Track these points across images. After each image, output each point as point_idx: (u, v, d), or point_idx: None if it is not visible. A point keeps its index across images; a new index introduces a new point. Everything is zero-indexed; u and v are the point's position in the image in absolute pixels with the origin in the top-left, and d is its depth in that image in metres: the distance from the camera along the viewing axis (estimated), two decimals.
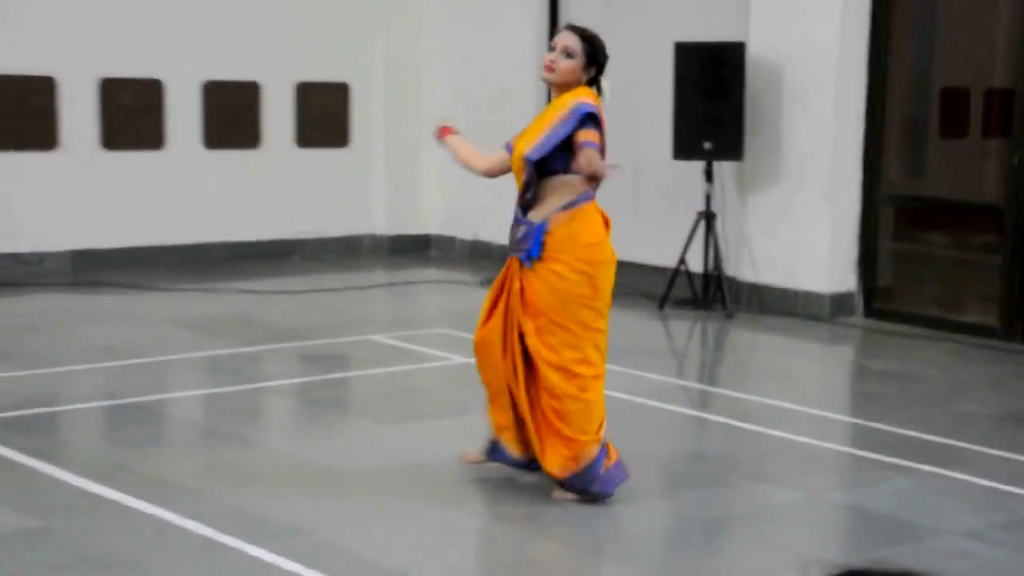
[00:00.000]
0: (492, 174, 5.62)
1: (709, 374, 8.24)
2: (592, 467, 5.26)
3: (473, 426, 5.98)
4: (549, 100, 5.49)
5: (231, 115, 11.28)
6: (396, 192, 12.07)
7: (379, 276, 11.00)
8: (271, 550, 4.70)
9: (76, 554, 4.69)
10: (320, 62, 11.65)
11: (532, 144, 5.23)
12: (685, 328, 9.21)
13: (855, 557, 4.85)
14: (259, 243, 11.49)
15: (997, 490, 5.65)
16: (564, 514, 5.23)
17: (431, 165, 12.00)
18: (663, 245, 10.08)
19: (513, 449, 5.45)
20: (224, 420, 6.55)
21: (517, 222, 5.29)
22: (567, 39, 5.31)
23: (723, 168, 9.75)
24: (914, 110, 9.82)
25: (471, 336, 5.55)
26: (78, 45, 10.52)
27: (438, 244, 12.27)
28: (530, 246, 5.21)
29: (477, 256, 11.73)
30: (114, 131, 10.73)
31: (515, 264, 5.31)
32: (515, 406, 5.36)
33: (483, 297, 5.49)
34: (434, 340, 8.23)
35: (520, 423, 5.38)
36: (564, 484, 5.32)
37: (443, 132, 5.70)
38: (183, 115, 11.03)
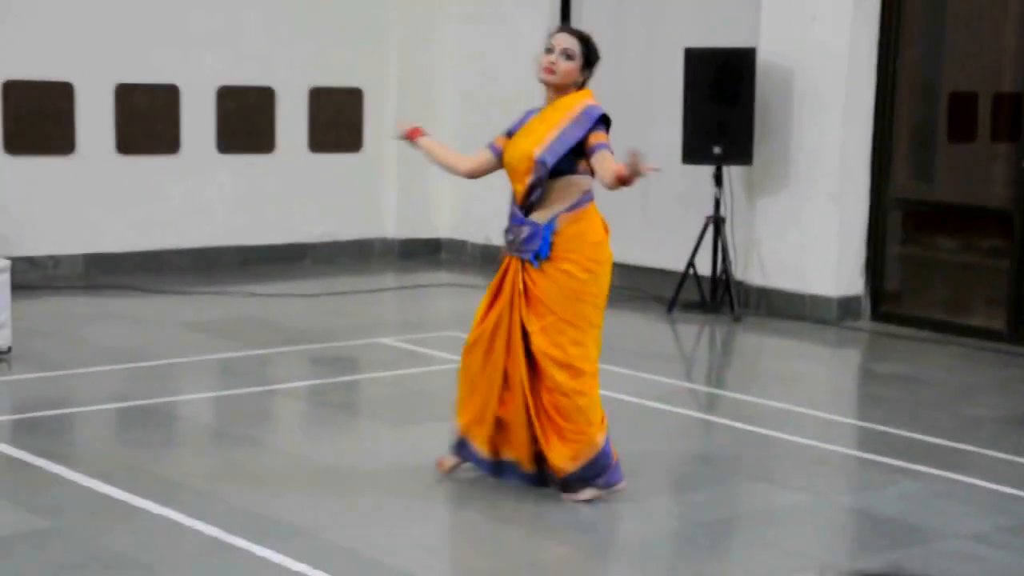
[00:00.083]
0: (475, 175, 5.64)
1: (717, 377, 8.27)
2: (601, 456, 5.31)
3: None
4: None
5: (245, 120, 11.34)
6: (408, 197, 12.12)
7: (390, 280, 11.05)
8: (279, 551, 4.74)
9: (85, 554, 4.74)
10: (333, 68, 11.71)
11: (543, 146, 5.24)
12: (693, 331, 9.24)
13: (862, 560, 4.87)
14: (271, 247, 11.55)
15: (1004, 494, 5.67)
16: (570, 515, 5.26)
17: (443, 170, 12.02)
18: (672, 249, 10.11)
19: (481, 447, 5.47)
20: (234, 422, 6.60)
21: (519, 222, 5.32)
22: (566, 41, 5.33)
23: (732, 172, 9.78)
24: (923, 114, 9.84)
25: None
26: (95, 51, 10.59)
27: (449, 248, 12.31)
28: (539, 246, 5.24)
29: (488, 260, 11.76)
30: (130, 136, 10.81)
31: (515, 264, 5.34)
32: (502, 405, 5.36)
33: None
34: (444, 343, 8.26)
35: (498, 423, 5.40)
36: (574, 478, 5.32)
37: (412, 134, 5.66)
38: (198, 120, 11.09)
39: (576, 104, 5.30)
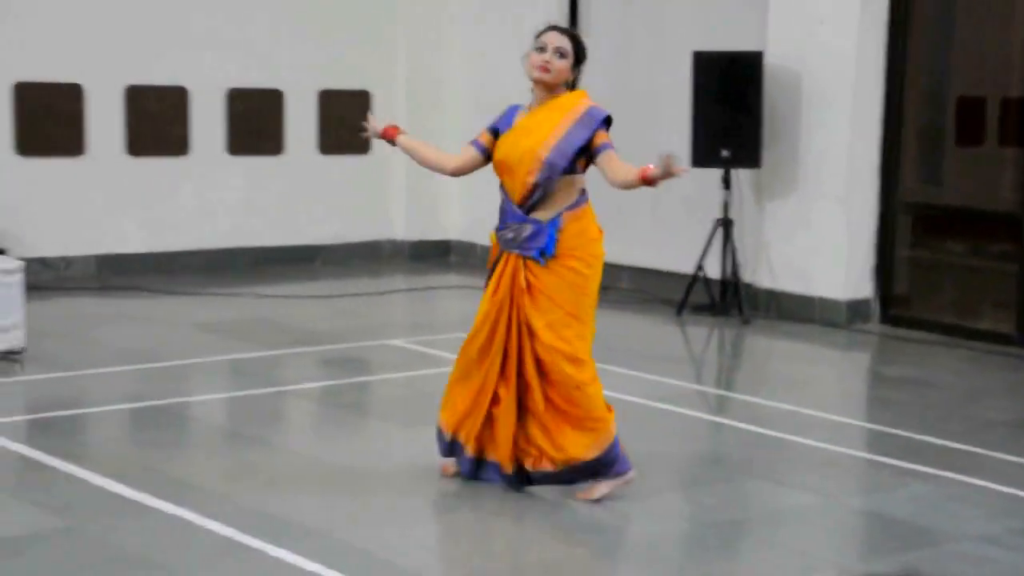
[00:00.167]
0: (461, 172, 5.66)
1: (726, 379, 8.29)
2: (615, 445, 5.38)
3: None
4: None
5: (255, 122, 11.38)
6: (417, 199, 12.14)
7: (399, 281, 11.08)
8: (293, 551, 4.77)
9: (100, 554, 4.76)
10: (342, 70, 11.75)
11: (550, 147, 5.27)
12: (702, 334, 9.26)
13: (872, 562, 4.89)
14: (281, 248, 11.59)
15: (1014, 496, 5.68)
16: (580, 516, 5.29)
17: None
18: (681, 252, 10.13)
19: (468, 445, 5.50)
20: (246, 423, 6.64)
21: (519, 220, 5.34)
22: (558, 40, 5.35)
23: (741, 176, 9.81)
24: (931, 118, 9.85)
25: None
26: (105, 53, 10.65)
27: (458, 250, 12.35)
28: (544, 243, 5.29)
29: None
30: (140, 137, 10.85)
31: (514, 260, 5.37)
32: (495, 404, 5.39)
33: None
34: (453, 345, 8.23)
35: (488, 419, 5.42)
36: (591, 466, 5.35)
37: (389, 132, 5.65)
38: (207, 122, 11.14)
39: (576, 105, 5.34)
